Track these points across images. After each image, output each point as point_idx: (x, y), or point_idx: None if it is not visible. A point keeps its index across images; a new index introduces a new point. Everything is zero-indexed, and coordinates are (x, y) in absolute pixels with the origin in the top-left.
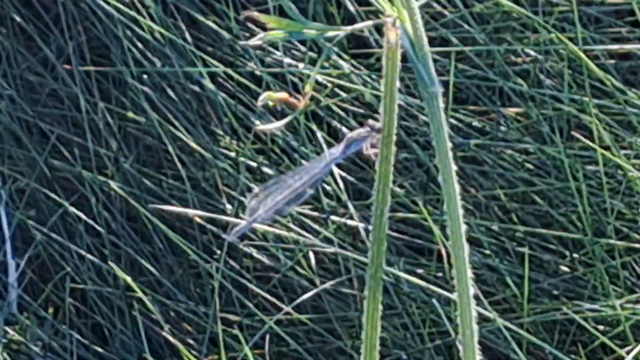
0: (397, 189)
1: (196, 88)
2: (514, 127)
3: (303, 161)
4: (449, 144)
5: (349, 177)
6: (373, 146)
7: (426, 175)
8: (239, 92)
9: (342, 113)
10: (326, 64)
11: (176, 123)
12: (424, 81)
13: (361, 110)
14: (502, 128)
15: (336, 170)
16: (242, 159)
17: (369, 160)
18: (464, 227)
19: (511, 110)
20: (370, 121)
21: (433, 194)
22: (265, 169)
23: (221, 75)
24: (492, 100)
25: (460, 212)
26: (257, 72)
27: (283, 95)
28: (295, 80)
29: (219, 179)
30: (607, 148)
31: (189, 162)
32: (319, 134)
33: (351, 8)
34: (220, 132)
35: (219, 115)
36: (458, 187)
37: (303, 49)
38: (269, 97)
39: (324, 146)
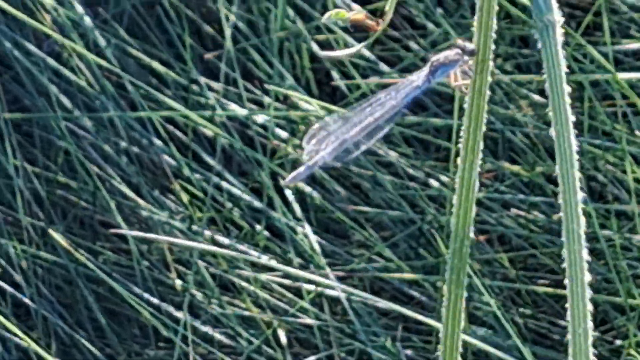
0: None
1: (136, 149)
2: (517, 183)
3: (265, 232)
4: (567, 89)
5: (324, 242)
6: (464, 75)
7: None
8: (194, 149)
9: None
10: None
11: (117, 184)
12: (538, 6)
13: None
14: (503, 188)
15: (312, 237)
16: (195, 227)
17: (344, 219)
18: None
19: (514, 167)
20: (461, 41)
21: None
22: (221, 239)
23: (170, 131)
24: (494, 154)
25: (577, 182)
26: (210, 131)
27: (358, 14)
28: (259, 132)
29: (167, 252)
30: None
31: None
32: (291, 197)
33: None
34: (171, 197)
35: (168, 176)
36: (575, 142)
37: (267, 99)
38: (338, 14)
39: (297, 210)
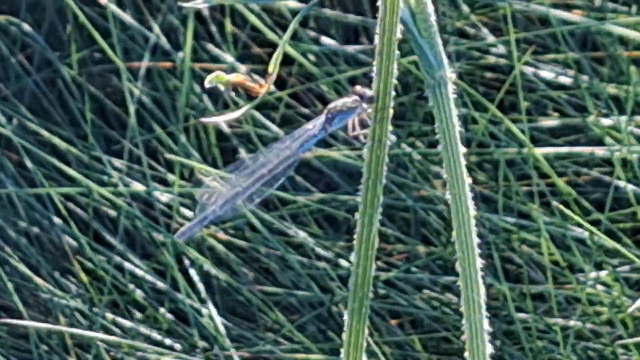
0: None
1: (36, 229)
2: (430, 264)
3: (167, 315)
4: (462, 149)
5: (230, 324)
6: (362, 124)
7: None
8: (95, 228)
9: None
10: None
11: (15, 264)
12: (429, 62)
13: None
14: (414, 269)
15: (217, 318)
16: (96, 309)
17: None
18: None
19: (427, 247)
20: (359, 87)
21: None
22: (123, 321)
23: (70, 209)
24: (406, 234)
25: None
26: (112, 211)
27: (239, 76)
28: (163, 211)
29: (67, 337)
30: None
31: (29, 315)
32: (195, 278)
33: None
34: (72, 279)
35: (69, 257)
36: (472, 205)
37: (172, 177)
38: (218, 78)
39: (202, 292)
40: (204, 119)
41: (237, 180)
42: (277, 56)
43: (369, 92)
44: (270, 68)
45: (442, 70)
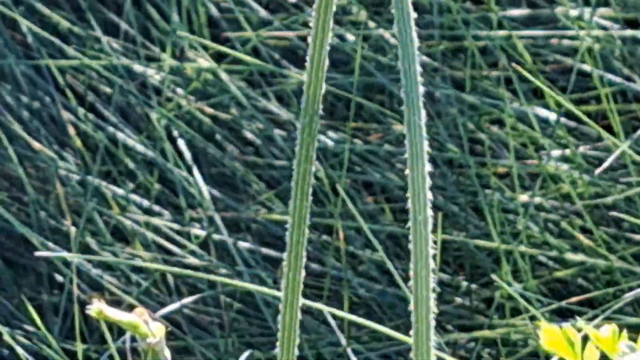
0: None
1: (37, 104)
2: None
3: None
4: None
5: (215, 193)
6: None
7: None
8: (91, 102)
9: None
10: None
11: (18, 131)
12: None
13: None
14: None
15: (202, 185)
16: (90, 177)
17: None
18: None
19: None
20: None
21: None
22: (114, 189)
23: (68, 82)
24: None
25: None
26: (108, 88)
27: None
28: (155, 86)
29: (63, 201)
30: None
31: (28, 183)
32: (183, 147)
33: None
34: (69, 150)
35: (65, 128)
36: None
37: (164, 56)
38: None
39: (189, 160)
40: None
41: None
42: None
43: None
44: None
45: None
